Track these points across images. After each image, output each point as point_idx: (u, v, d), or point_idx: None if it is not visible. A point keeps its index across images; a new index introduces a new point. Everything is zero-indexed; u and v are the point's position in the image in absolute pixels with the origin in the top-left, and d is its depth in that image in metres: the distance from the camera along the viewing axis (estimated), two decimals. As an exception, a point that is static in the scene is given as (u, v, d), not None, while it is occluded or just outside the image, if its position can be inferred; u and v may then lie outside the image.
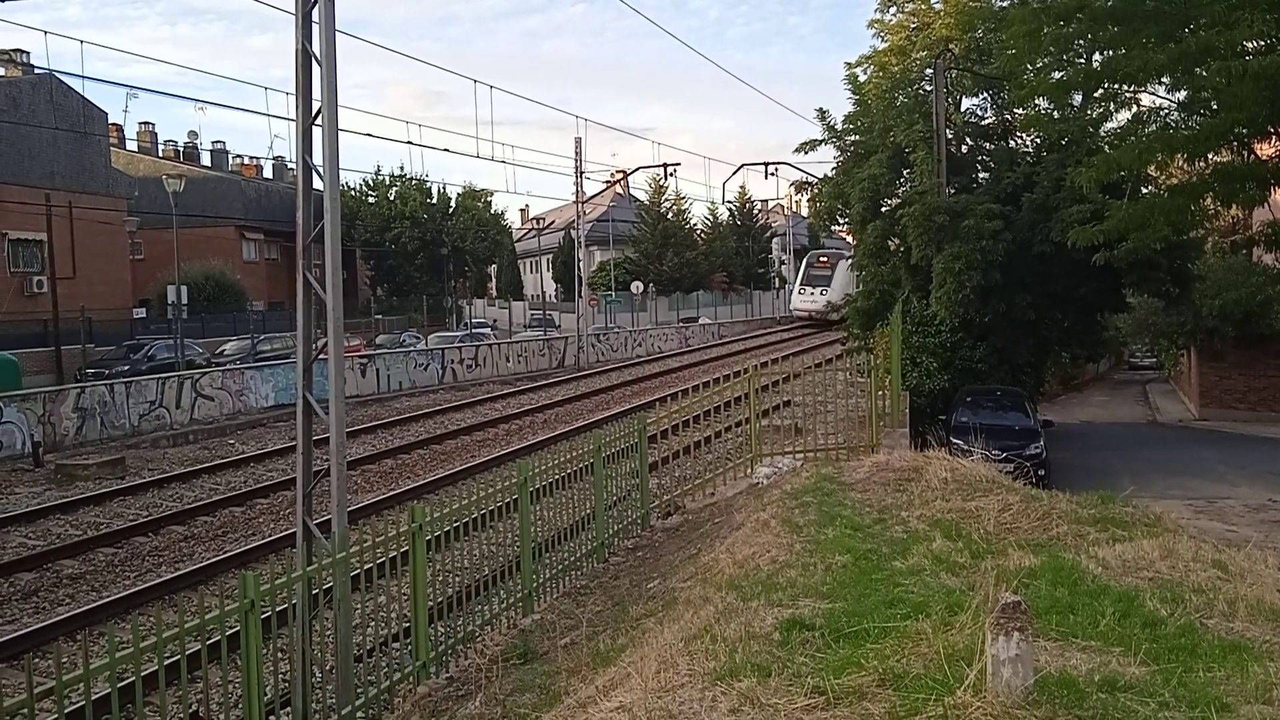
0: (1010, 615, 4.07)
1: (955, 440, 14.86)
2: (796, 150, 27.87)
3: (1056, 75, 18.28)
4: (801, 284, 53.50)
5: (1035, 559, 6.56)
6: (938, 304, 20.29)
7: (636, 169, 52.83)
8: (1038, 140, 23.46)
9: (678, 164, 55.01)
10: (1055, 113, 20.49)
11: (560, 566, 9.63)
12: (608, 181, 55.56)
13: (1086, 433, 26.15)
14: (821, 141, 25.87)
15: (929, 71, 22.93)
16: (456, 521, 8.27)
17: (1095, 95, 19.23)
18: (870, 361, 15.45)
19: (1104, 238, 17.35)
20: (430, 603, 7.78)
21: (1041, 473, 15.17)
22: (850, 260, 52.81)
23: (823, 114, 25.47)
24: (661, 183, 63.80)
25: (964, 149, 24.56)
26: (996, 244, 19.81)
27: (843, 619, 5.43)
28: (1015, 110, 23.18)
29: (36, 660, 9.08)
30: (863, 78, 25.70)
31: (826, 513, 8.30)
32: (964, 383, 20.38)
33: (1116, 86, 17.80)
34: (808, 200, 33.64)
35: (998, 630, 4.07)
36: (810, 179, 30.97)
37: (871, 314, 23.72)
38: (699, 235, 69.34)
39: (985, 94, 24.46)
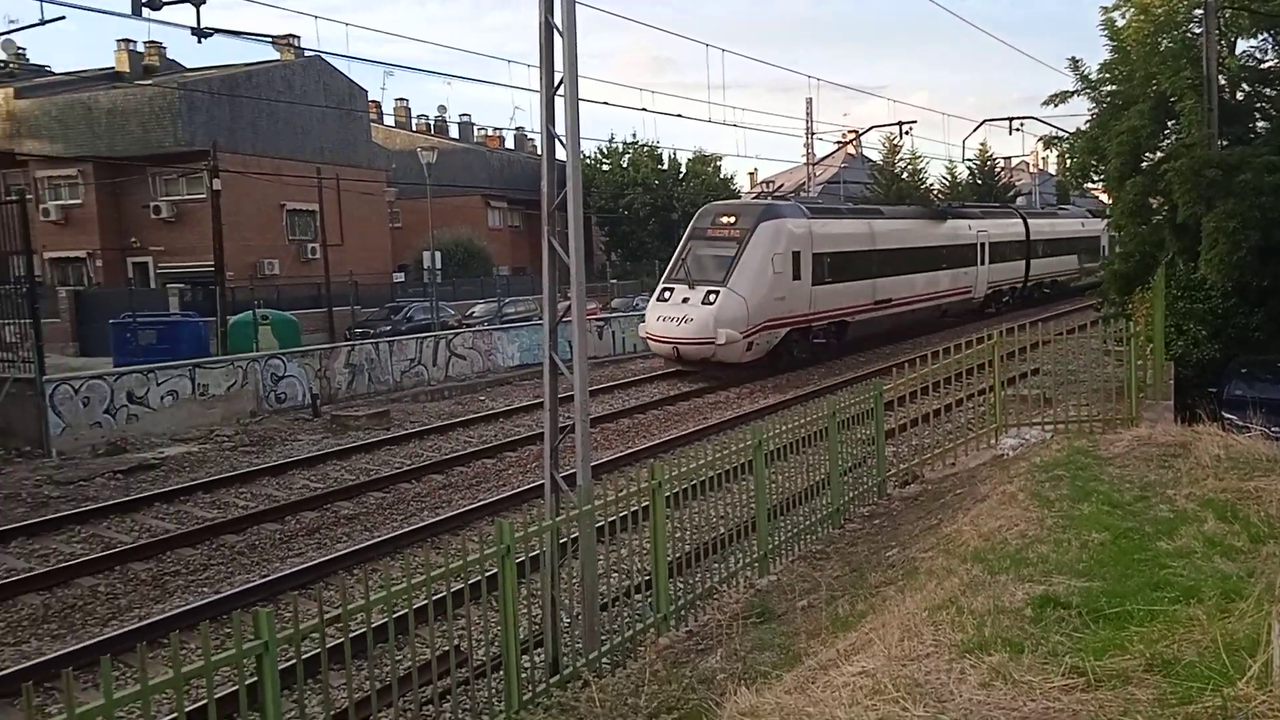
0: (1303, 605, 3.75)
1: (1228, 415, 13.61)
2: (1045, 103, 25.92)
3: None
4: (669, 278, 25.09)
5: (1328, 547, 5.97)
6: (1207, 267, 18.56)
7: (869, 128, 51.73)
8: (1332, 83, 20.89)
9: (913, 122, 53.30)
10: (1356, 50, 18.16)
11: (795, 530, 9.69)
12: (839, 142, 54.48)
13: (1386, 411, 23.23)
14: (1073, 93, 24.04)
15: (1198, 12, 20.82)
16: (693, 480, 8.46)
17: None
18: (1129, 328, 14.37)
19: None
20: (668, 558, 8.04)
21: (1332, 454, 13.64)
22: (792, 223, 25.03)
23: (1075, 63, 23.67)
24: (896, 142, 61.53)
25: (1239, 96, 22.18)
26: (1279, 200, 17.88)
27: (1102, 599, 5.17)
28: (1304, 50, 20.72)
29: (323, 591, 10.10)
30: (1121, 22, 23.64)
31: (1080, 487, 7.88)
32: (1238, 353, 18.58)
33: None
34: (1056, 156, 31.41)
35: (1287, 620, 3.77)
36: (1060, 134, 28.86)
37: (1130, 278, 22.02)
38: (936, 196, 66.61)
39: (1265, 34, 21.94)
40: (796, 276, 24.50)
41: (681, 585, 8.21)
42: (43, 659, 8.63)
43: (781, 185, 68.40)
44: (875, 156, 66.08)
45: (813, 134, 40.14)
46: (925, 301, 31.23)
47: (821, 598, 7.13)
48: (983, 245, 35.08)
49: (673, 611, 7.94)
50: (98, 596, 10.45)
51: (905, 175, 64.10)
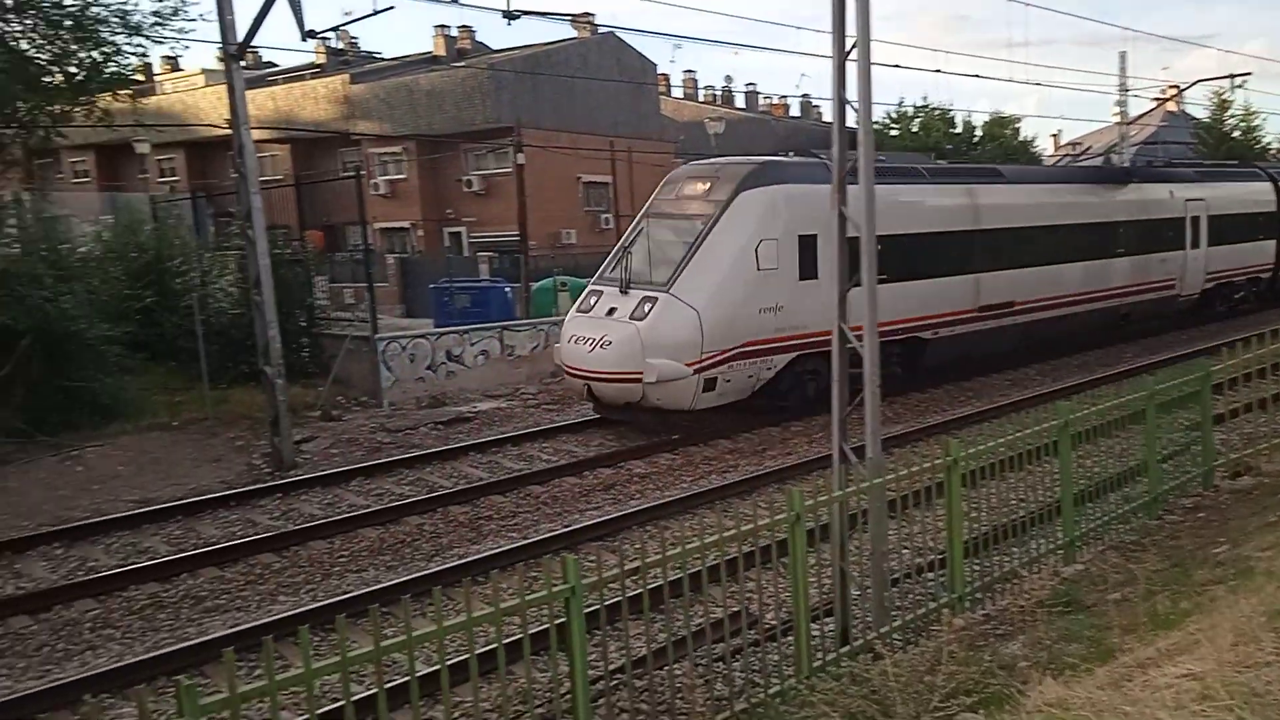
0: None
1: None
2: None
3: None
4: (600, 276, 17.01)
5: None
6: None
7: (1193, 83, 46.77)
8: None
9: (1247, 74, 47.26)
10: None
11: (1105, 517, 9.09)
12: (1157, 99, 49.56)
13: None
14: None
15: None
16: (990, 459, 8.13)
17: None
18: None
19: None
20: (963, 537, 7.79)
21: None
22: (801, 191, 15.90)
23: None
24: (1226, 97, 55.18)
25: None
26: None
27: None
28: None
29: (620, 544, 10.68)
30: None
31: None
32: None
33: None
34: None
35: None
36: None
37: None
38: (1274, 156, 59.10)
39: None
40: (808, 274, 15.69)
41: (977, 567, 7.94)
42: (379, 586, 9.73)
43: (1090, 147, 63.33)
44: (1200, 114, 59.66)
45: (1126, 90, 36.68)
46: (1084, 303, 21.63)
47: (1137, 592, 6.67)
48: (1196, 219, 24.88)
49: (968, 593, 7.71)
50: (423, 534, 11.63)
51: (1237, 134, 57.37)
